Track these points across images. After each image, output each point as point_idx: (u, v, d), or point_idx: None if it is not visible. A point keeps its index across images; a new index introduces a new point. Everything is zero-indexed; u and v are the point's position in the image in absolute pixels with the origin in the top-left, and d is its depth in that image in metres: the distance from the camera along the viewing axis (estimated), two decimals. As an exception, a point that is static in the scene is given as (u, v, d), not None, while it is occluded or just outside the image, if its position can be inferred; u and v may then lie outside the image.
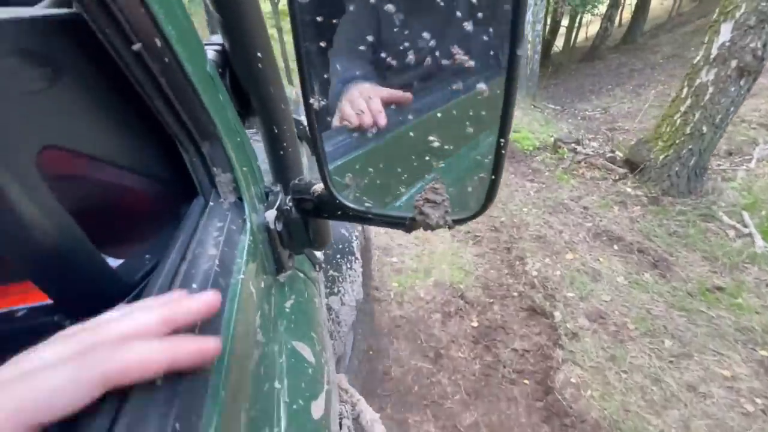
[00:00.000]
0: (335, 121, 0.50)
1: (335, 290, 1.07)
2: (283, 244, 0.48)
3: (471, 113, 0.43)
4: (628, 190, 2.95)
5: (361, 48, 0.45)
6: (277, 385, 0.38)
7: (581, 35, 12.49)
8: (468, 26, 0.35)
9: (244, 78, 0.45)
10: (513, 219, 2.71)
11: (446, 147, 0.44)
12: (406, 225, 0.43)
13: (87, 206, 0.38)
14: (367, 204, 0.46)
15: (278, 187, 0.50)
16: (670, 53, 8.02)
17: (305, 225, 0.50)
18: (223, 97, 0.40)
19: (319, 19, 0.37)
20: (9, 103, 0.27)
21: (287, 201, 0.49)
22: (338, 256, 1.11)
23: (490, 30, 0.36)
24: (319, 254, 0.66)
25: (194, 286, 0.30)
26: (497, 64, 0.36)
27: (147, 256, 0.40)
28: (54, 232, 0.31)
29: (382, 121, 0.48)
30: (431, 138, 0.43)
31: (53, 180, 0.32)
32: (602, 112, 6.64)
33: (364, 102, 0.48)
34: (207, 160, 0.39)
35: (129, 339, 0.23)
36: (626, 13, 13.01)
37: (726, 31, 2.58)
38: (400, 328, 1.86)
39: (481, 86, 0.37)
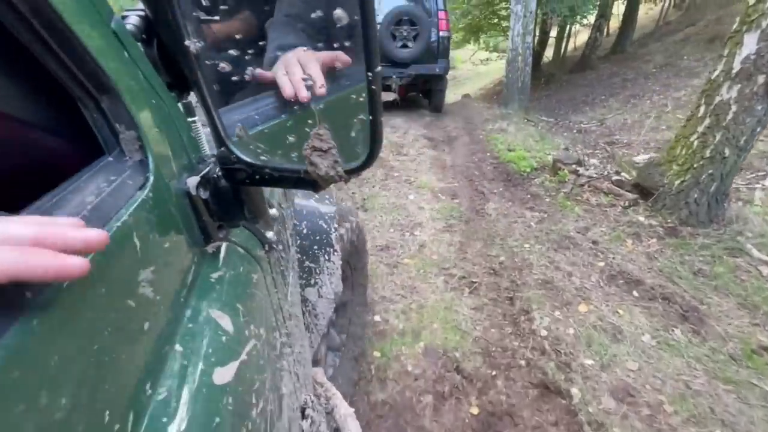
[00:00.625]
0: (260, 75, 0.49)
1: (312, 282, 1.05)
2: (212, 214, 0.46)
3: (336, 46, 0.45)
4: (641, 219, 2.62)
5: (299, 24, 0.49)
6: (177, 347, 0.37)
7: (570, 45, 12.40)
8: None
9: (171, 48, 0.45)
10: (514, 258, 2.36)
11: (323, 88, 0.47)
12: (304, 180, 0.44)
13: None
14: (262, 158, 0.46)
15: (211, 158, 0.48)
16: (662, 62, 7.86)
17: (236, 195, 0.49)
18: (132, 55, 0.38)
19: None
20: None
21: (217, 170, 0.47)
22: (315, 247, 1.08)
23: None
24: (270, 234, 0.62)
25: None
26: None
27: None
28: None
29: (322, 90, 0.48)
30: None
31: None
32: (598, 124, 6.39)
33: (300, 70, 0.49)
34: (108, 116, 0.36)
35: None
36: (614, 23, 13.00)
37: (751, 43, 2.29)
38: (383, 419, 1.48)
39: (338, 12, 0.39)
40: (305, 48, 0.51)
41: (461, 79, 22.01)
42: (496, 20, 10.56)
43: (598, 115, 6.79)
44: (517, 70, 6.47)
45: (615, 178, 3.04)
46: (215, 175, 0.46)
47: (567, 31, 10.18)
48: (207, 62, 0.44)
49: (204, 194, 0.44)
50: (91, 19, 0.33)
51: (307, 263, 1.06)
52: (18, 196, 0.32)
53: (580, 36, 14.77)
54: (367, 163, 0.43)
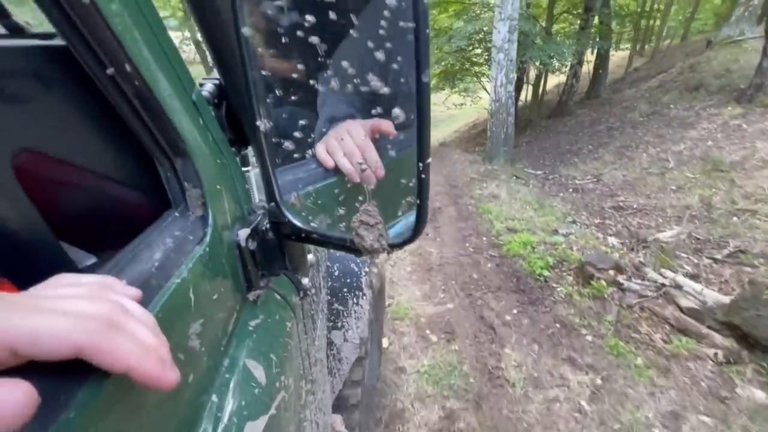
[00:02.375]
0: (320, 153, 0.54)
1: (339, 325, 1.03)
2: (257, 264, 0.50)
3: (392, 140, 0.53)
4: (760, 395, 1.65)
5: (349, 86, 0.47)
6: (214, 398, 0.39)
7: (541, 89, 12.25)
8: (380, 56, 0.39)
9: (237, 109, 0.54)
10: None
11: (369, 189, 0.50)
12: (350, 247, 0.47)
13: (69, 208, 0.49)
14: (312, 224, 0.51)
15: (261, 210, 0.52)
16: (648, 111, 7.46)
17: (281, 247, 0.53)
18: (205, 121, 0.44)
19: (262, 49, 0.47)
20: None
21: (265, 223, 0.51)
22: (345, 290, 1.07)
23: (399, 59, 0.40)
24: (305, 281, 0.63)
25: (124, 280, 0.32)
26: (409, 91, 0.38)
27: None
28: (20, 226, 0.40)
29: (381, 173, 0.53)
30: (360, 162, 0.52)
31: (34, 180, 0.42)
32: (594, 180, 5.70)
33: (358, 151, 0.53)
34: (179, 175, 0.41)
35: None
36: (584, 68, 13.11)
37: None
38: None
39: (396, 111, 0.45)
40: (353, 118, 0.53)
41: (435, 121, 21.96)
42: (468, 65, 10.21)
43: (591, 169, 6.13)
44: (501, 122, 5.78)
45: (685, 306, 2.07)
46: (264, 228, 0.51)
47: (544, 77, 9.90)
48: (273, 140, 0.49)
49: (252, 245, 0.48)
50: (177, 91, 0.39)
51: (335, 305, 1.03)
52: (101, 238, 0.49)
53: (550, 80, 14.93)
54: (410, 240, 0.47)
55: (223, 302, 0.43)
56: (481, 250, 3.01)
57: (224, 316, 0.43)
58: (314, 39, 0.42)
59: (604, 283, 2.32)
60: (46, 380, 0.21)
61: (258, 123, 0.45)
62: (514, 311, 2.22)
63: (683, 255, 3.14)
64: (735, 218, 3.77)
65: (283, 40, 0.44)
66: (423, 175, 0.41)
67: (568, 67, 8.49)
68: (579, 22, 9.05)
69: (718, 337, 1.83)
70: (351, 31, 0.45)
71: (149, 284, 0.33)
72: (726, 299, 2.24)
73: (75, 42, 0.30)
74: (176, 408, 0.34)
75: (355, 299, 1.08)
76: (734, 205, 3.92)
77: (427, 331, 2.00)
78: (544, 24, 8.60)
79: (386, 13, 0.38)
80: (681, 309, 2.03)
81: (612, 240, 3.52)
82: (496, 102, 5.54)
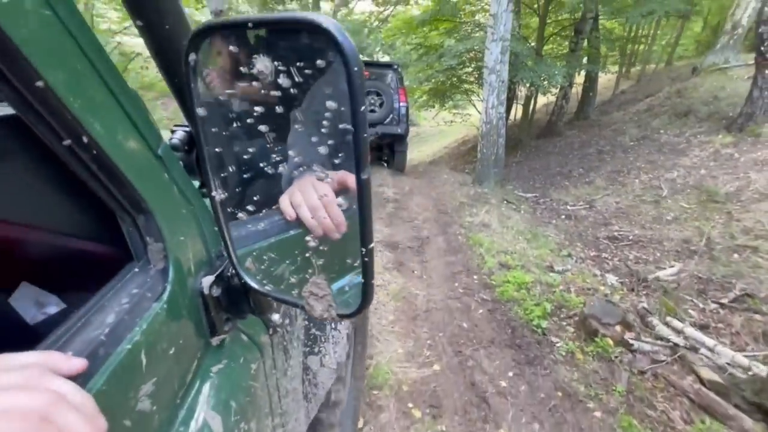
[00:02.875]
0: (284, 205, 0.55)
1: (315, 350, 1.00)
2: (223, 308, 0.51)
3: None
4: None
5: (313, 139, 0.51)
6: None
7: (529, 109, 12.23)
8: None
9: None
10: None
11: (323, 248, 0.50)
12: (303, 309, 0.48)
13: (30, 260, 0.53)
14: (267, 288, 0.51)
15: (225, 255, 0.52)
16: (638, 135, 7.41)
17: (246, 291, 0.52)
18: (171, 174, 0.45)
19: (215, 130, 0.45)
20: None
21: (230, 269, 0.51)
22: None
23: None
24: (276, 317, 0.61)
25: (70, 352, 0.32)
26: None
27: (72, 310, 0.41)
28: None
29: (343, 228, 0.53)
30: (308, 238, 0.51)
31: (12, 244, 0.50)
32: (587, 207, 5.53)
33: (322, 206, 0.53)
34: (141, 231, 0.42)
35: None
36: (572, 89, 13.21)
37: None
38: None
39: (340, 200, 0.50)
40: (318, 170, 0.52)
41: (425, 136, 21.91)
42: (458, 82, 10.13)
43: (583, 195, 5.97)
44: (491, 143, 5.59)
45: (707, 378, 1.80)
46: (229, 273, 0.51)
47: (534, 97, 9.87)
48: (228, 210, 0.49)
49: (216, 292, 0.49)
50: (139, 151, 0.40)
51: (313, 330, 1.01)
52: (64, 282, 0.55)
53: (538, 99, 14.97)
54: (356, 312, 0.47)
55: (182, 353, 0.44)
56: (472, 291, 2.73)
57: (183, 367, 0.44)
58: (263, 127, 0.44)
59: (610, 341, 2.05)
60: None
61: (213, 194, 0.46)
62: (510, 374, 1.92)
63: (687, 298, 2.92)
64: (736, 255, 3.59)
65: (237, 123, 0.46)
66: (366, 259, 0.40)
67: (558, 88, 8.44)
68: (569, 44, 9.07)
69: (748, 421, 1.56)
70: (297, 120, 0.46)
71: (97, 353, 0.33)
72: (744, 360, 2.00)
73: (29, 117, 0.31)
74: None
75: (333, 324, 1.07)
76: (734, 241, 3.76)
77: (410, 404, 1.69)
78: (534, 44, 8.58)
79: (328, 109, 0.39)
80: (701, 380, 1.77)
81: (611, 278, 3.29)
82: (487, 124, 5.36)
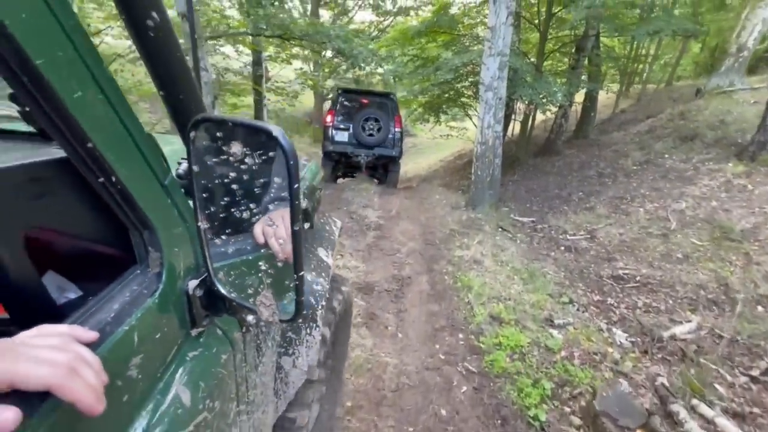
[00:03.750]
0: (256, 232, 0.71)
1: (289, 351, 1.09)
2: (203, 307, 0.63)
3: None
4: None
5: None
6: (144, 414, 0.50)
7: (518, 128, 11.86)
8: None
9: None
10: None
11: (271, 271, 0.70)
12: (254, 314, 0.63)
13: (63, 257, 0.75)
14: (232, 294, 0.64)
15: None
16: (641, 159, 7.03)
17: (221, 295, 0.65)
18: (173, 199, 0.59)
19: (204, 181, 0.60)
20: (10, 206, 0.62)
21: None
22: (300, 320, 1.11)
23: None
24: (250, 318, 0.74)
25: (87, 327, 0.45)
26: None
27: (89, 297, 0.55)
28: (20, 277, 0.62)
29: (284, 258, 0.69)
30: (261, 263, 0.72)
31: (41, 245, 0.68)
32: (588, 237, 5.10)
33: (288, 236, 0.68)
34: (145, 242, 0.56)
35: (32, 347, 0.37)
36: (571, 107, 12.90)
37: None
38: None
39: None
40: (274, 206, 0.72)
41: (422, 147, 21.57)
42: (455, 95, 9.76)
43: (583, 223, 5.54)
44: (486, 165, 5.15)
45: None
46: (211, 280, 0.63)
47: (533, 115, 9.51)
48: (209, 234, 0.63)
49: (199, 293, 0.62)
50: (149, 183, 0.55)
51: (289, 333, 1.11)
52: (85, 275, 0.76)
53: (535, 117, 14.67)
54: (293, 320, 0.62)
55: (165, 339, 0.56)
56: (456, 357, 2.25)
57: (165, 349, 0.57)
58: (235, 185, 0.62)
59: (630, 453, 1.58)
60: (23, 401, 0.33)
61: (199, 224, 0.60)
62: (499, 498, 1.44)
63: (711, 366, 2.46)
64: (760, 308, 3.15)
65: (219, 179, 0.62)
66: (297, 282, 0.56)
67: (557, 106, 8.08)
68: (569, 61, 8.75)
69: None
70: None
71: (105, 330, 0.46)
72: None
73: (79, 163, 0.46)
74: (114, 419, 0.46)
75: (308, 330, 1.16)
76: (757, 290, 3.32)
77: None
78: (533, 60, 8.24)
79: (275, 181, 0.63)
80: None
81: (619, 334, 2.82)
82: (482, 144, 4.93)
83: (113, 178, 0.47)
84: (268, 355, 0.92)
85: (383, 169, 7.02)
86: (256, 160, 0.57)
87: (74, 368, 0.36)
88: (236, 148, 0.56)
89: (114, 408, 0.43)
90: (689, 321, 3.00)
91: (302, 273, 0.54)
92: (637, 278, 3.85)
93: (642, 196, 5.70)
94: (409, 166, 18.26)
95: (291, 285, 0.58)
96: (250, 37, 7.41)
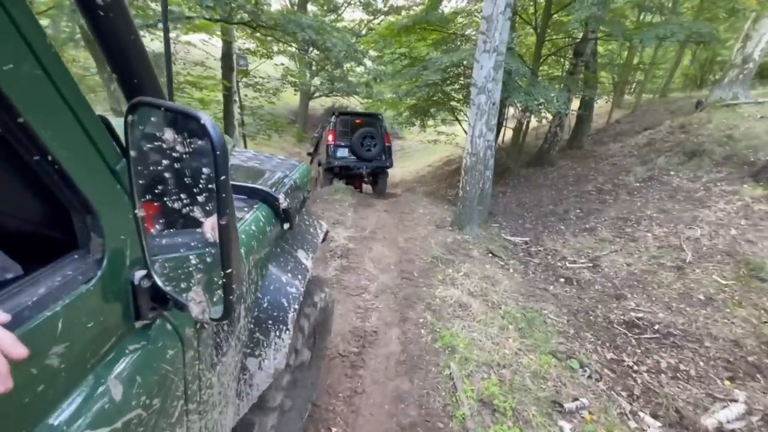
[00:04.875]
0: (206, 228, 0.62)
1: (256, 353, 1.06)
2: (152, 298, 0.61)
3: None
4: None
5: None
6: (64, 406, 0.47)
7: (509, 134, 11.23)
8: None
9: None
10: None
11: (203, 268, 0.65)
12: (184, 309, 0.60)
13: (15, 240, 0.68)
14: (167, 288, 0.60)
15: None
16: (644, 174, 6.45)
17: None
18: (123, 186, 0.57)
19: (140, 167, 0.56)
20: None
21: None
22: (270, 321, 1.11)
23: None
24: (202, 315, 0.67)
25: (3, 307, 0.42)
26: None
27: (22, 277, 0.52)
28: None
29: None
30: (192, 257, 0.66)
31: None
32: (590, 266, 4.44)
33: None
34: (87, 227, 0.54)
35: None
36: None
37: None
38: None
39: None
40: (204, 199, 0.66)
41: (410, 151, 20.88)
42: (443, 98, 9.07)
43: (584, 247, 4.88)
44: (476, 179, 4.44)
45: None
46: (149, 270, 0.60)
47: (526, 123, 8.89)
48: (145, 224, 0.59)
49: (146, 284, 0.59)
50: (94, 165, 0.53)
51: (257, 335, 1.07)
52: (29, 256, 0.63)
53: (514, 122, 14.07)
54: (222, 319, 0.59)
55: (99, 329, 0.53)
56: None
57: (99, 340, 0.53)
58: (167, 173, 0.58)
59: None
60: None
61: (135, 211, 0.56)
62: None
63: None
64: (817, 379, 2.51)
65: (153, 167, 0.58)
66: (225, 280, 0.54)
67: (553, 114, 7.46)
68: (566, 66, 8.14)
69: None
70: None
71: (22, 314, 0.43)
72: None
73: (6, 134, 0.43)
74: (24, 408, 0.43)
75: (277, 332, 1.10)
76: (808, 352, 2.68)
77: None
78: (528, 64, 7.60)
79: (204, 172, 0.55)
80: None
81: (649, 423, 2.11)
82: (473, 155, 4.22)
83: (49, 157, 0.46)
84: (230, 354, 0.89)
85: (374, 177, 8.14)
86: (188, 149, 0.54)
87: None
88: (169, 134, 0.54)
89: (25, 396, 0.42)
90: (734, 400, 2.31)
91: (231, 270, 0.53)
92: (655, 326, 3.18)
93: (649, 219, 5.08)
94: (396, 170, 17.51)
95: (218, 285, 0.56)
96: (219, 26, 6.58)
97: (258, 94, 11.43)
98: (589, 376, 2.46)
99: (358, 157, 7.20)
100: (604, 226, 5.34)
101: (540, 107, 5.97)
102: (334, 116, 7.45)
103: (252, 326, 1.05)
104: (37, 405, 0.45)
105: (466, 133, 10.37)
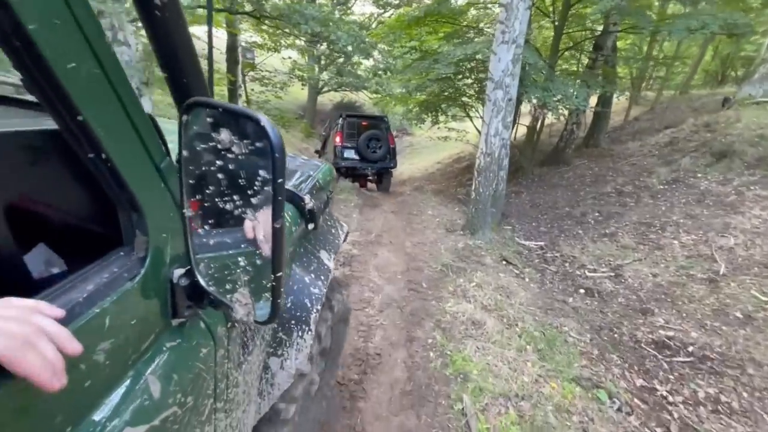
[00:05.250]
0: (246, 227, 0.62)
1: (278, 353, 1.06)
2: (187, 296, 0.61)
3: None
4: None
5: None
6: (106, 402, 0.47)
7: (520, 131, 10.81)
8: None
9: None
10: None
11: (251, 269, 0.65)
12: (230, 310, 0.61)
13: (62, 234, 0.72)
14: (211, 288, 0.61)
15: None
16: (668, 176, 6.07)
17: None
18: (167, 184, 0.57)
19: (191, 167, 0.58)
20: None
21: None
22: (292, 322, 1.11)
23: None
24: (247, 316, 0.68)
25: (54, 305, 0.42)
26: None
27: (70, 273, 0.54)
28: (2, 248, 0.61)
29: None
30: (242, 261, 0.66)
31: (31, 216, 0.66)
32: (612, 275, 4.13)
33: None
34: (133, 225, 0.55)
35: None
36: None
37: None
38: None
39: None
40: (258, 201, 0.64)
41: (419, 148, 20.50)
42: (454, 93, 8.73)
43: (605, 254, 4.57)
44: (490, 180, 4.15)
45: None
46: (192, 270, 0.61)
47: (542, 120, 8.52)
48: (192, 223, 0.61)
49: (183, 283, 0.59)
50: (143, 165, 0.53)
51: (280, 334, 1.07)
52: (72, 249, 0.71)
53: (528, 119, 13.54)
54: (268, 322, 0.59)
55: (141, 326, 0.53)
56: None
57: (141, 337, 0.54)
58: (221, 174, 0.57)
59: None
60: None
61: (184, 211, 0.58)
62: None
63: None
64: None
65: (206, 167, 0.58)
66: (275, 284, 0.54)
67: (570, 111, 7.09)
68: (585, 61, 7.75)
69: None
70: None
71: (74, 310, 0.44)
72: None
73: (69, 135, 0.44)
74: (71, 402, 0.43)
75: (300, 333, 1.10)
76: None
77: None
78: (545, 59, 7.22)
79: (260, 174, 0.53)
80: None
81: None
82: (487, 156, 3.93)
83: (103, 155, 0.46)
84: (255, 353, 0.89)
85: (379, 176, 8.42)
86: (244, 150, 0.54)
87: (31, 342, 0.35)
88: (225, 135, 0.54)
89: (73, 391, 0.42)
90: (789, 443, 2.01)
91: (280, 274, 0.53)
92: (689, 348, 2.88)
93: (675, 225, 4.73)
94: (405, 166, 17.20)
95: (264, 287, 0.57)
96: (224, 17, 6.34)
97: (264, 89, 11.21)
98: (619, 409, 2.19)
99: (364, 159, 7.44)
100: (626, 231, 5.01)
101: (558, 104, 5.63)
102: (341, 118, 7.68)
103: (275, 326, 1.05)
104: (83, 401, 0.45)
105: (478, 130, 9.99)
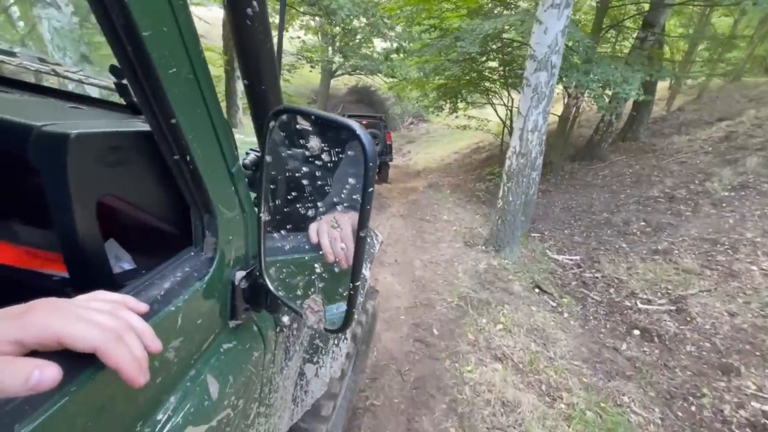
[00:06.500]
0: (311, 231, 0.67)
1: (314, 360, 1.06)
2: (244, 299, 0.61)
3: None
4: None
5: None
6: (172, 399, 0.48)
7: (552, 120, 9.69)
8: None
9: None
10: None
11: (325, 275, 0.65)
12: (301, 317, 0.60)
13: (128, 231, 0.71)
14: (280, 293, 0.61)
15: (258, 259, 0.66)
16: (732, 180, 5.09)
17: (266, 291, 0.63)
18: (236, 187, 0.58)
19: (274, 173, 0.62)
20: (91, 170, 0.55)
21: (258, 270, 0.63)
22: (345, 332, 1.13)
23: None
24: (285, 319, 0.73)
25: (139, 299, 0.44)
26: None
27: (143, 271, 0.58)
28: (87, 241, 0.56)
29: (344, 264, 0.64)
30: (316, 266, 0.64)
31: (111, 211, 0.63)
32: (673, 310, 3.29)
33: (340, 238, 0.66)
34: (204, 226, 0.55)
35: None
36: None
37: None
38: None
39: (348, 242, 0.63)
40: (342, 208, 0.64)
41: (436, 136, 19.40)
42: (477, 78, 7.76)
43: (659, 278, 3.71)
44: (522, 186, 3.32)
45: None
46: (257, 273, 0.62)
47: (576, 109, 7.50)
48: (268, 227, 0.62)
49: (244, 284, 0.60)
50: (218, 168, 0.53)
51: (316, 341, 1.07)
52: (144, 248, 0.71)
53: (558, 107, 12.27)
54: (339, 331, 0.57)
55: (204, 326, 0.54)
56: None
57: (202, 336, 0.54)
58: (305, 180, 0.62)
59: None
60: (67, 362, 0.31)
61: (261, 215, 0.59)
62: None
63: None
64: None
65: (289, 173, 0.63)
66: (352, 292, 0.52)
67: (617, 100, 6.09)
68: (634, 41, 6.67)
69: None
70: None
71: (153, 307, 0.45)
72: None
73: (159, 137, 0.45)
74: (142, 398, 0.44)
75: (335, 340, 1.10)
76: None
77: None
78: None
79: (349, 182, 0.57)
80: None
81: None
82: (521, 156, 3.10)
83: (188, 157, 0.47)
84: (294, 359, 0.90)
85: (379, 169, 8.87)
86: (333, 158, 0.55)
87: (122, 336, 0.36)
88: (314, 142, 0.55)
89: (147, 388, 0.43)
90: None
91: (359, 283, 0.52)
92: (804, 438, 2.06)
93: (752, 244, 3.82)
94: (420, 156, 16.26)
95: (344, 293, 0.56)
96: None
97: (270, 71, 10.45)
98: None
99: None
100: (684, 249, 4.12)
101: (601, 89, 4.67)
102: (344, 116, 9.01)
103: (312, 333, 1.03)
104: (153, 394, 0.46)
105: (500, 118, 8.94)
